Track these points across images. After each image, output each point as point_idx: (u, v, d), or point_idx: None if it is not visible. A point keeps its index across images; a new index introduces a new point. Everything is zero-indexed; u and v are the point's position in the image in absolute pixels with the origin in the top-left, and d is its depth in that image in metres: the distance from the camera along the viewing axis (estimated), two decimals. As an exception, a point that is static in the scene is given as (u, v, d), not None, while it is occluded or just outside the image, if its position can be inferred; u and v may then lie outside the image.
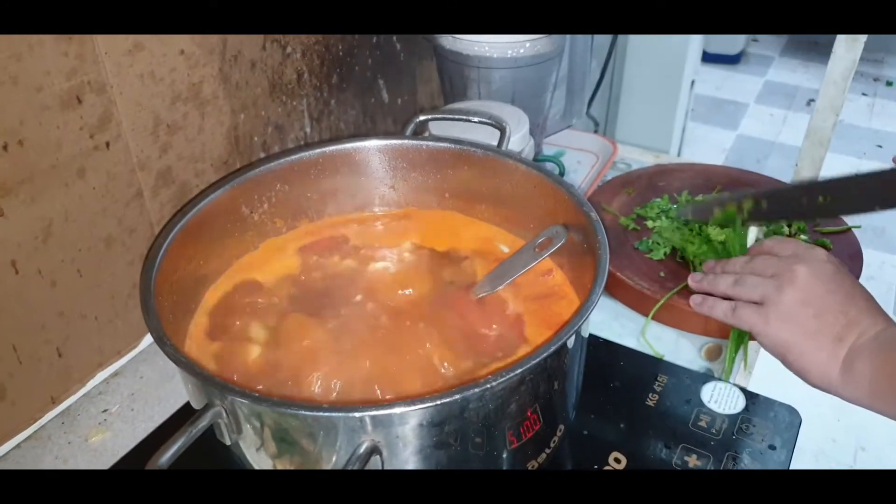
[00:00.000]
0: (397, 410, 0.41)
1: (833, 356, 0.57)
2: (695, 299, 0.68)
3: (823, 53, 1.03)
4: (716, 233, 0.74)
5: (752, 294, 0.63)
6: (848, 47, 0.97)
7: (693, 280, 0.70)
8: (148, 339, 0.71)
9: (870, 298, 0.60)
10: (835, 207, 0.66)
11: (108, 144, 0.60)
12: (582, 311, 0.47)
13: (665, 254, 0.78)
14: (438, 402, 0.41)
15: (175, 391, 0.67)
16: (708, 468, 0.58)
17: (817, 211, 0.66)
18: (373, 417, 0.41)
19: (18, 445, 0.61)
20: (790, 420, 0.62)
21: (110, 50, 0.58)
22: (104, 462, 0.60)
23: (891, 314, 0.58)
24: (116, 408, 0.65)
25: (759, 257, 0.65)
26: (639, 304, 0.76)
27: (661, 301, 0.72)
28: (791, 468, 0.59)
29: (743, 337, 0.69)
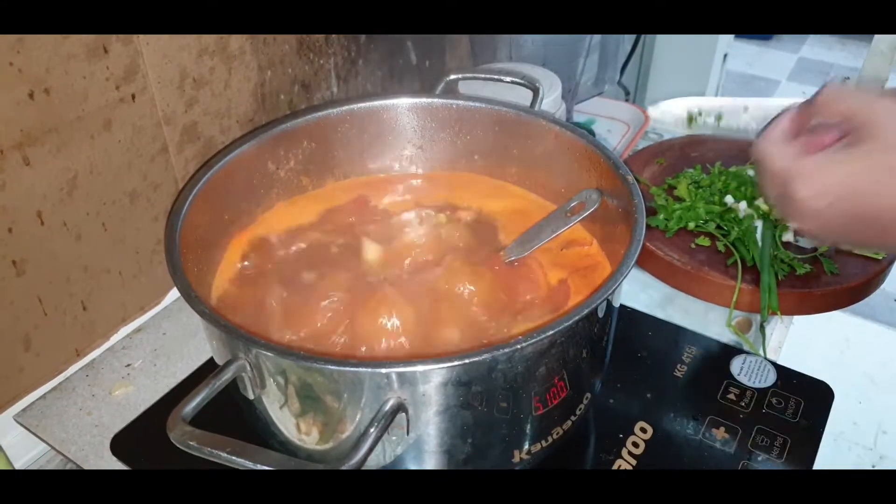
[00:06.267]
0: (424, 368, 0.40)
1: None
2: None
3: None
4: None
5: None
6: None
7: None
8: (171, 295, 0.71)
9: None
10: None
11: (133, 97, 0.59)
12: (615, 276, 0.46)
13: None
14: (466, 361, 0.40)
15: (197, 348, 0.66)
16: (736, 441, 0.57)
17: None
18: (399, 374, 0.40)
19: (44, 396, 0.62)
20: (822, 395, 0.61)
21: (137, -2, 0.57)
22: (127, 416, 0.60)
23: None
24: (140, 362, 0.65)
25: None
26: (668, 275, 0.74)
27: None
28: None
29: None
